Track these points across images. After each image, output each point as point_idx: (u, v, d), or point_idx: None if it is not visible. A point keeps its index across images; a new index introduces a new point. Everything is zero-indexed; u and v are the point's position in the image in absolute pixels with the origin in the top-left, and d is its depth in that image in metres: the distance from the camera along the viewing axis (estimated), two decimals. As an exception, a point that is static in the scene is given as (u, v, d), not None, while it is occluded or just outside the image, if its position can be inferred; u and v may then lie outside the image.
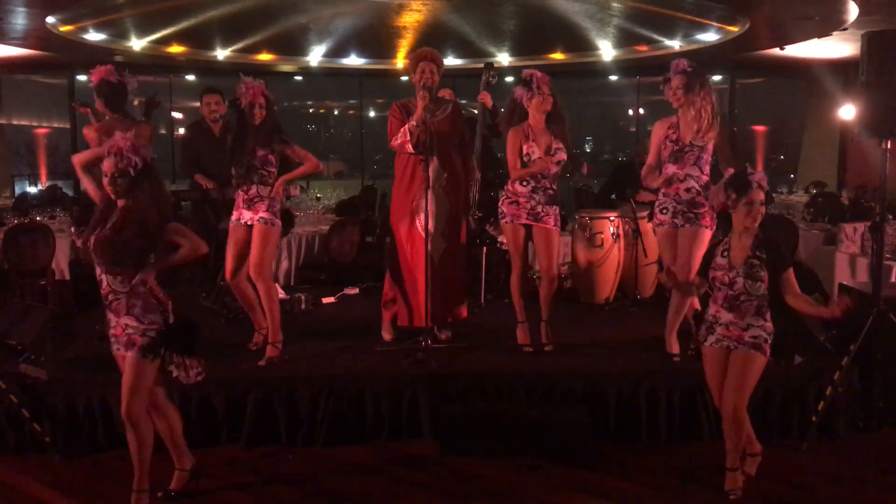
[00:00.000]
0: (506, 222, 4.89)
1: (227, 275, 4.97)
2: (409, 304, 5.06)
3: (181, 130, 14.16)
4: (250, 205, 4.76)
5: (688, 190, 4.58)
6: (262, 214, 4.74)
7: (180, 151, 6.61)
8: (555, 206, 4.86)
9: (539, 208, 4.81)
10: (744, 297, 3.61)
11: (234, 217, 4.86)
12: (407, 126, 4.83)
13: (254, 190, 4.76)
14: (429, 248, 4.82)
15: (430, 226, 4.79)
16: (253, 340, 5.01)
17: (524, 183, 4.81)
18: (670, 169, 4.62)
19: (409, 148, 4.84)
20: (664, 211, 4.66)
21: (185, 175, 6.51)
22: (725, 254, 3.65)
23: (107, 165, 3.34)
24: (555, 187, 4.86)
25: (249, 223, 4.77)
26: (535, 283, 5.22)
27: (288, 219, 5.15)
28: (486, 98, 5.14)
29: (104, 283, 3.42)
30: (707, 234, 4.55)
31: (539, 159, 4.74)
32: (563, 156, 4.81)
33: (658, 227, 4.73)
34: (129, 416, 3.45)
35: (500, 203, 4.95)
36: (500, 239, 5.84)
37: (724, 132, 4.64)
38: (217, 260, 6.14)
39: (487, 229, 5.85)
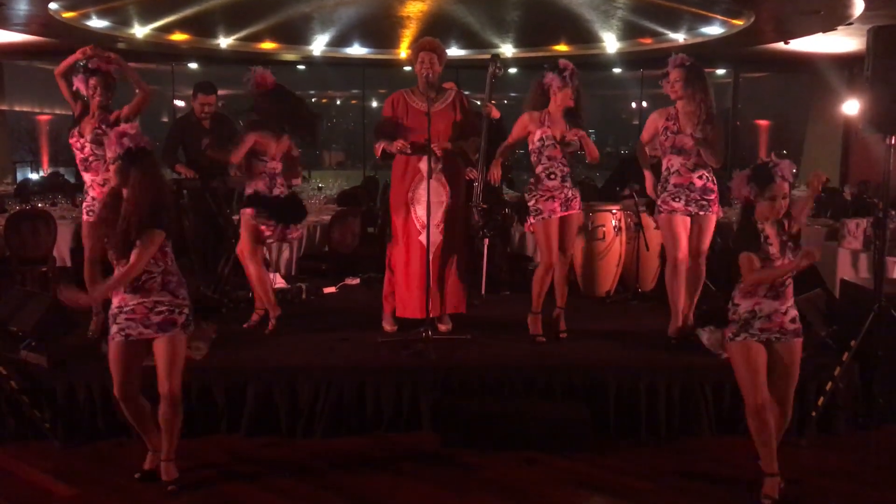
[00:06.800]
0: (543, 218, 4.87)
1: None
2: (403, 293, 5.04)
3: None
4: None
5: (700, 177, 4.73)
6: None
7: (164, 139, 6.57)
8: (577, 188, 4.97)
9: (569, 193, 4.91)
10: (787, 282, 3.53)
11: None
12: (384, 145, 4.87)
13: None
14: (425, 238, 4.82)
15: (427, 216, 4.78)
16: (253, 319, 5.19)
17: (551, 176, 4.85)
18: (674, 162, 4.76)
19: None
20: (677, 199, 4.74)
21: (165, 163, 6.43)
22: (768, 241, 3.49)
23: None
24: (570, 168, 4.93)
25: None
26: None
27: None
28: (493, 110, 5.15)
29: None
30: (714, 221, 4.80)
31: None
32: (575, 147, 4.88)
33: (670, 213, 4.77)
34: (175, 393, 3.54)
35: (531, 203, 4.92)
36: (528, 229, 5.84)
37: (719, 129, 4.77)
38: (217, 250, 6.15)
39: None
